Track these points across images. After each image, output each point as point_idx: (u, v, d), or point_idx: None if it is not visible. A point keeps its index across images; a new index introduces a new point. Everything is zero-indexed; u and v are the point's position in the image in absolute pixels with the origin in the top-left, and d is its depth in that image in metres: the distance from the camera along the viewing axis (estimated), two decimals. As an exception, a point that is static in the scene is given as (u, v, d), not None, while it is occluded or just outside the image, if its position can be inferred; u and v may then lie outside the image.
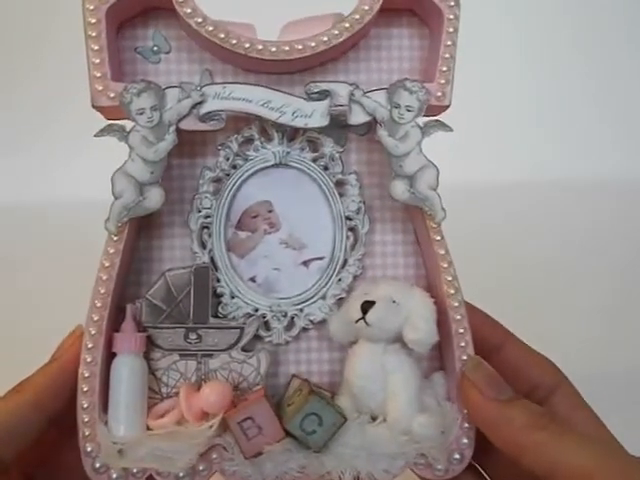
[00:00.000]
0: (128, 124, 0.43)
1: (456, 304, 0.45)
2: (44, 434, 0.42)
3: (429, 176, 0.44)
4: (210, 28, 0.43)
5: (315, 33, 0.44)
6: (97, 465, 0.42)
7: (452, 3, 0.45)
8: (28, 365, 0.44)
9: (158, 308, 0.45)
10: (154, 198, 0.43)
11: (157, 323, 0.45)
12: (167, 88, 0.43)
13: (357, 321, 0.43)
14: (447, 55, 0.45)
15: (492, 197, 0.87)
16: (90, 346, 0.43)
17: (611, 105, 0.93)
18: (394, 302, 0.44)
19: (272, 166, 0.47)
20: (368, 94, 0.44)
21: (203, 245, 0.47)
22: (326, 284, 0.47)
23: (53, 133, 0.85)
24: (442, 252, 0.45)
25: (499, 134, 0.88)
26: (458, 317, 0.45)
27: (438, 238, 0.45)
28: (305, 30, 0.44)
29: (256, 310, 0.46)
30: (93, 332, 0.43)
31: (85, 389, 0.42)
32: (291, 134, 0.47)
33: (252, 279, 0.47)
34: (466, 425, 0.44)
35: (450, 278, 0.45)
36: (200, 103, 0.44)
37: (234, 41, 0.44)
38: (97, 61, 0.43)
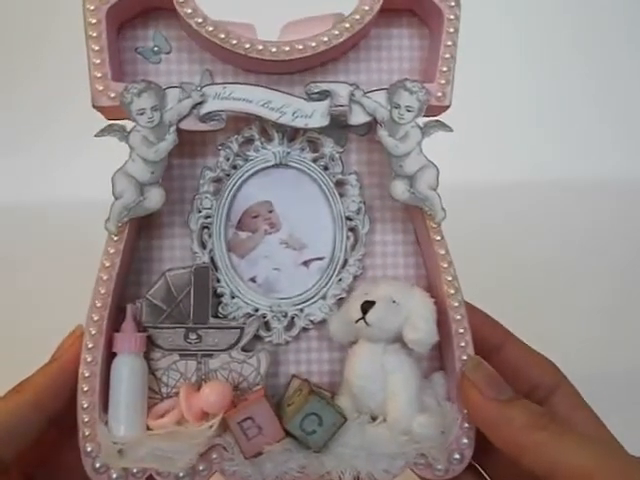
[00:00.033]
0: (128, 124, 0.43)
1: (456, 304, 0.45)
2: (44, 434, 0.42)
3: (429, 176, 0.44)
4: (210, 28, 0.43)
5: (315, 33, 0.44)
6: (97, 465, 0.42)
7: (452, 3, 0.45)
8: (28, 365, 0.44)
9: (158, 308, 0.45)
10: (154, 198, 0.43)
11: (157, 323, 0.45)
12: (167, 88, 0.43)
13: (357, 321, 0.43)
14: (447, 55, 0.45)
15: (492, 197, 0.87)
16: (90, 346, 0.43)
17: (611, 105, 0.93)
18: (394, 302, 0.44)
19: (272, 166, 0.47)
20: (368, 94, 0.44)
21: (203, 245, 0.47)
22: (326, 284, 0.47)
23: (53, 133, 0.85)
24: (442, 252, 0.45)
25: (499, 134, 0.88)
26: (458, 317, 0.45)
27: (438, 238, 0.45)
28: (305, 30, 0.44)
29: (256, 310, 0.46)
30: (93, 332, 0.43)
31: (85, 389, 0.42)
32: (291, 134, 0.47)
33: (252, 279, 0.47)
34: (466, 425, 0.44)
35: (450, 278, 0.45)
36: (200, 103, 0.44)
37: (234, 41, 0.44)
38: (98, 61, 0.43)
